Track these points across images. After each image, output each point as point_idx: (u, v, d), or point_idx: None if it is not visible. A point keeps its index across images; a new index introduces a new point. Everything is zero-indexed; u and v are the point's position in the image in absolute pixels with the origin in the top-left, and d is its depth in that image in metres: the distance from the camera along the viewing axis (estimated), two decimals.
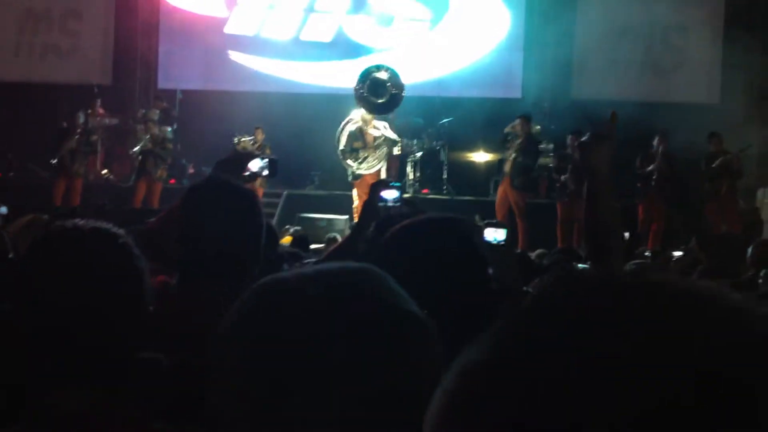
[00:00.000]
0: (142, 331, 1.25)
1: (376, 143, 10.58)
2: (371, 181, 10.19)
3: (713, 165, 10.79)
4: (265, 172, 2.50)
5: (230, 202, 1.86)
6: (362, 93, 10.61)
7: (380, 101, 10.69)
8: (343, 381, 0.74)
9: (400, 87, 10.87)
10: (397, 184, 2.37)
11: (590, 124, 2.20)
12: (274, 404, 0.73)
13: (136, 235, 2.15)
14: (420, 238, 1.32)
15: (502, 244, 2.74)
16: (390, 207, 2.23)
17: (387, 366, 0.76)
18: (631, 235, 9.16)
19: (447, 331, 1.20)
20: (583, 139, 2.11)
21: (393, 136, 10.82)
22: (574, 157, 10.82)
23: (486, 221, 3.10)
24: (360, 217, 2.34)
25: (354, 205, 10.47)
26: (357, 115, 10.65)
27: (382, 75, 10.85)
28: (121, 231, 1.36)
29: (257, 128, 12.38)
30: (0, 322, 1.83)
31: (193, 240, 1.83)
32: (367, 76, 10.78)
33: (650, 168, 10.87)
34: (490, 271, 1.32)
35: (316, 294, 0.77)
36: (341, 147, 10.56)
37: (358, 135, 10.58)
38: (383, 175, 10.54)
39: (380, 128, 10.64)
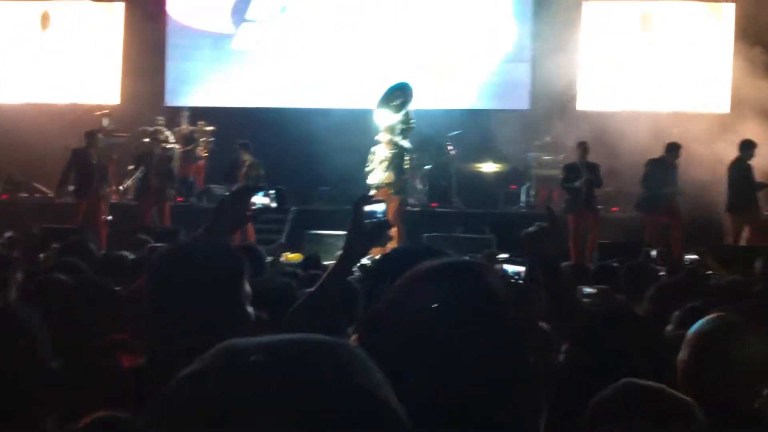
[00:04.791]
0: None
1: (384, 159, 10.69)
2: (384, 194, 10.23)
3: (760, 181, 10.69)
4: (273, 204, 2.37)
5: (203, 269, 1.71)
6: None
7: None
8: None
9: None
10: (380, 199, 2.28)
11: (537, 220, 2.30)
12: None
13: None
14: (431, 291, 1.25)
15: (521, 280, 2.69)
16: (379, 221, 2.14)
17: None
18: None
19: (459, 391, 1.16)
20: (529, 230, 2.28)
21: (406, 145, 10.84)
22: (583, 167, 10.80)
23: (505, 257, 3.04)
24: (347, 243, 2.13)
25: None
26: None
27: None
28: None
29: (240, 146, 12.28)
30: None
31: (164, 315, 1.68)
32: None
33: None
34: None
35: (271, 371, 0.72)
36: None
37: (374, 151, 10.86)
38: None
39: (392, 144, 10.69)
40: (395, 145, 10.65)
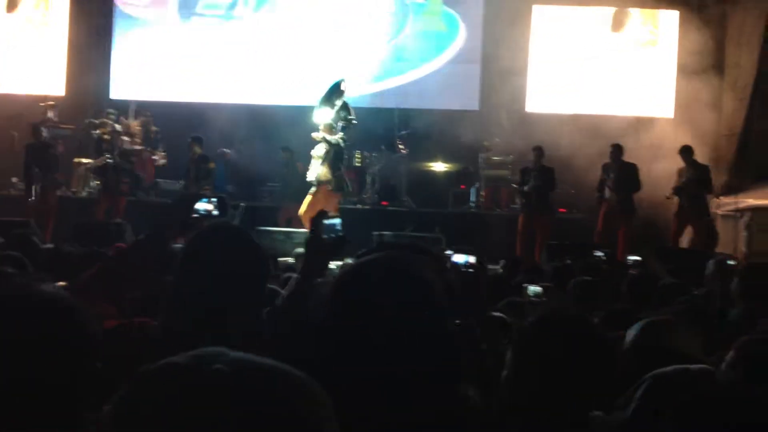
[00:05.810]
0: None
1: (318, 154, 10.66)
2: (323, 191, 10.25)
3: (685, 179, 10.76)
4: (215, 212, 2.41)
5: (239, 249, 1.88)
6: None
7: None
8: None
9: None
10: (336, 214, 2.34)
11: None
12: None
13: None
14: (368, 289, 1.27)
15: (471, 270, 2.73)
16: (336, 237, 2.18)
17: None
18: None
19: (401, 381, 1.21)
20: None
21: (341, 142, 10.76)
22: (538, 169, 11.00)
23: (455, 247, 3.09)
24: (306, 258, 2.22)
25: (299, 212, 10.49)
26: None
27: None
28: None
29: (193, 140, 12.14)
30: None
31: (195, 286, 1.81)
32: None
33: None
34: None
35: (229, 383, 0.76)
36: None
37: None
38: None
39: (327, 141, 10.65)
40: (330, 141, 10.65)
